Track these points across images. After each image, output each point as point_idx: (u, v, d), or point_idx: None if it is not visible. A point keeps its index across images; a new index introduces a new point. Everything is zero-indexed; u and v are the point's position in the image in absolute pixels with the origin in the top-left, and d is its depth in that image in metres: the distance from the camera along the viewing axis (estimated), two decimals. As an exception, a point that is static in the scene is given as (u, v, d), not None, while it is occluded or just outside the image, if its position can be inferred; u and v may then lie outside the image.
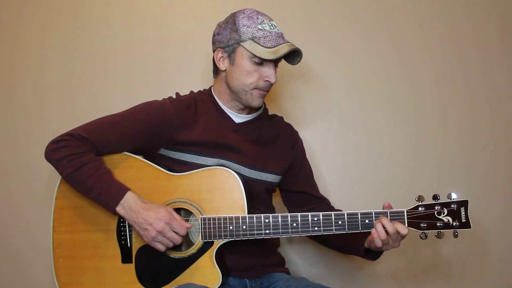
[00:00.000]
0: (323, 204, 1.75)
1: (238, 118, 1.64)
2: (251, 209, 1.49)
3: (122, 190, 1.46)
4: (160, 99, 1.63)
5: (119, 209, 1.44)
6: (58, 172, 1.50)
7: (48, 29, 2.14)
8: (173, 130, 1.56)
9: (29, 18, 2.14)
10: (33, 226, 2.04)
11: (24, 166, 2.08)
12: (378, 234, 1.40)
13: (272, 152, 1.67)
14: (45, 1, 2.15)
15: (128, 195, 1.45)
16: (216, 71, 1.63)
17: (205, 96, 1.65)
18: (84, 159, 1.47)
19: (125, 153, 1.56)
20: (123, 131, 1.53)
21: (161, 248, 1.43)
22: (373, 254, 1.55)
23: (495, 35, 2.08)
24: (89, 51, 2.12)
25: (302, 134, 1.82)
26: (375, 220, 1.42)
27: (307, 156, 1.80)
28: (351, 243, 1.58)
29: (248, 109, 1.64)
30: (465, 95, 2.06)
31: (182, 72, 2.09)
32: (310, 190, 1.75)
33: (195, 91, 1.70)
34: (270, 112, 1.77)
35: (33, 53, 2.13)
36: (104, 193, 1.45)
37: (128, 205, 1.44)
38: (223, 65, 1.57)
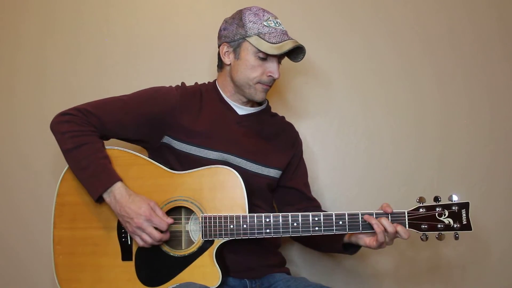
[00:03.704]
0: (313, 205, 1.75)
1: (242, 110, 1.66)
2: (252, 207, 1.50)
3: (112, 178, 1.47)
4: None
5: (105, 196, 1.47)
6: (58, 144, 1.52)
7: (48, 29, 2.13)
8: (177, 115, 1.58)
9: (29, 18, 2.14)
10: (33, 222, 2.03)
11: (24, 163, 2.07)
12: (380, 235, 1.40)
13: (273, 147, 1.68)
14: (45, 1, 2.14)
15: (116, 185, 1.46)
16: (221, 65, 1.67)
17: (210, 87, 1.69)
18: (86, 138, 1.50)
19: (128, 150, 1.56)
20: (128, 110, 1.56)
21: (140, 242, 1.45)
22: (353, 248, 1.57)
23: (495, 35, 2.08)
24: (89, 51, 2.12)
25: (302, 134, 1.83)
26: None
27: (306, 155, 1.82)
28: (330, 240, 1.58)
29: (252, 102, 1.67)
30: (465, 95, 2.06)
31: (182, 72, 2.08)
32: (304, 188, 1.75)
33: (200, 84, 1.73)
34: (272, 111, 1.79)
35: (33, 54, 2.12)
36: (94, 177, 1.47)
37: (114, 195, 1.46)
38: (228, 59, 1.61)
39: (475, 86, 2.07)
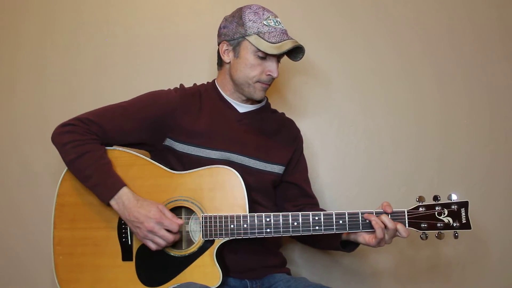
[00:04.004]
0: (312, 203, 1.75)
1: (242, 108, 1.67)
2: (255, 205, 1.51)
3: (117, 184, 1.47)
4: None
5: (113, 203, 1.47)
6: (61, 156, 1.52)
7: (48, 29, 2.13)
8: (178, 117, 1.58)
9: (29, 18, 2.14)
10: (33, 223, 2.03)
11: (25, 164, 2.07)
12: (379, 231, 1.40)
13: (275, 143, 1.69)
14: (45, 1, 2.14)
15: (123, 191, 1.47)
16: (221, 63, 1.67)
17: (209, 87, 1.69)
18: (87, 147, 1.50)
19: (128, 150, 1.56)
20: (130, 116, 1.57)
21: (153, 246, 1.44)
22: (351, 246, 1.56)
23: (495, 35, 2.08)
24: (89, 51, 2.12)
25: (303, 134, 1.82)
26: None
27: (307, 155, 1.81)
28: (328, 237, 1.56)
29: (251, 100, 1.67)
30: (465, 95, 2.06)
31: (182, 72, 2.08)
32: (304, 184, 1.75)
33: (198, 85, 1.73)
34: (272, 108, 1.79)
35: (33, 54, 2.12)
36: (100, 185, 1.47)
37: (122, 201, 1.46)
38: (227, 57, 1.61)
39: (475, 86, 2.07)
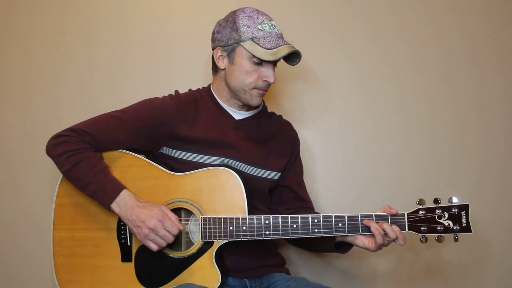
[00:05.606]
0: (305, 206, 1.73)
1: (238, 115, 1.65)
2: (252, 209, 1.50)
3: (117, 188, 1.47)
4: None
5: (114, 206, 1.46)
6: (57, 167, 1.52)
7: (38, 31, 2.13)
8: (174, 126, 1.56)
9: (24, 17, 2.13)
10: (33, 223, 2.04)
11: (24, 164, 2.08)
12: (379, 237, 1.40)
13: (272, 148, 1.67)
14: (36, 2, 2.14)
15: (124, 193, 1.47)
16: (215, 69, 1.64)
17: (204, 93, 1.66)
18: (82, 155, 1.49)
19: (127, 151, 1.56)
20: (124, 126, 1.55)
21: (153, 247, 1.44)
22: (345, 247, 1.56)
23: (509, 34, 2.06)
24: (87, 50, 2.11)
25: (302, 134, 1.82)
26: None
27: (306, 156, 1.81)
28: (322, 238, 1.54)
29: (247, 106, 1.65)
30: (468, 95, 2.04)
31: (181, 72, 2.08)
32: (296, 187, 1.73)
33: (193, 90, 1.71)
34: (268, 110, 1.77)
35: (29, 53, 2.12)
36: (99, 191, 1.47)
37: (124, 203, 1.45)
38: (222, 63, 1.58)
39: (479, 87, 2.05)
